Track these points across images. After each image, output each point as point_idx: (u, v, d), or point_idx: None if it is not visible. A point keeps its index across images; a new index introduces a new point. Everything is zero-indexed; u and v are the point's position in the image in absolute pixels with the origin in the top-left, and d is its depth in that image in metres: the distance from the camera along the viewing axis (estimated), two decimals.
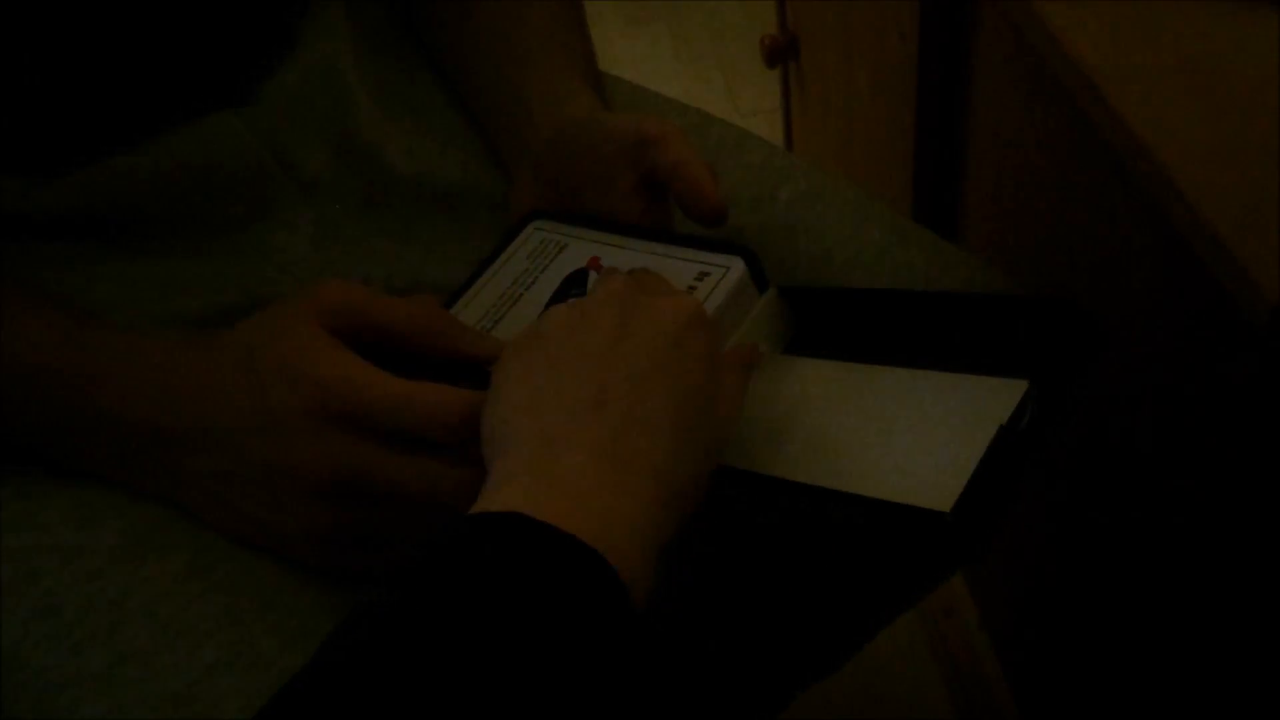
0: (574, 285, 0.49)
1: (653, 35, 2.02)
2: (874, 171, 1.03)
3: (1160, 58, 0.52)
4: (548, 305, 0.50)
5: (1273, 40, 0.52)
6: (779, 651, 0.54)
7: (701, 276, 0.46)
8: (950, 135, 0.86)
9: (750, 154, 0.64)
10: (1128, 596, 0.76)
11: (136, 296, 0.56)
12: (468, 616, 0.33)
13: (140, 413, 0.47)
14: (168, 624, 0.45)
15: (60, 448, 0.49)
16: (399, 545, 0.46)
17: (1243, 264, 0.42)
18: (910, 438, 0.40)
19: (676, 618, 0.50)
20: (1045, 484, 0.85)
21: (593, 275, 0.49)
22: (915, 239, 0.61)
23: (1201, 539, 0.64)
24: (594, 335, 0.42)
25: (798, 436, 0.42)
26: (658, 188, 0.52)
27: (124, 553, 0.47)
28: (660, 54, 1.99)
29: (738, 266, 0.45)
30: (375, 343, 0.47)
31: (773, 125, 1.44)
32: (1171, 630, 0.70)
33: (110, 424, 0.47)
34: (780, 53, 1.26)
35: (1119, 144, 0.51)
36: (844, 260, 0.60)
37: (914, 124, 0.86)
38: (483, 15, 0.63)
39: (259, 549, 0.47)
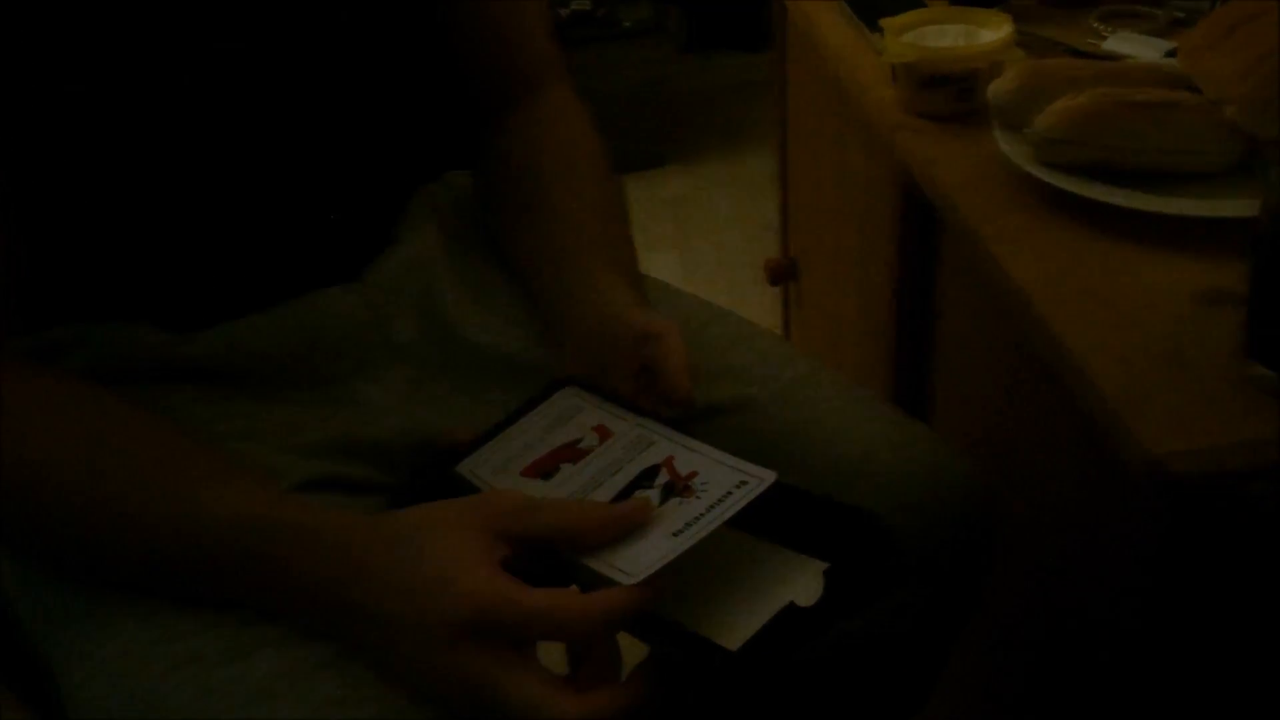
0: (570, 447, 0.63)
1: (666, 262, 2.20)
2: (858, 368, 1.18)
3: (1072, 281, 0.68)
4: (549, 452, 0.63)
5: (1155, 271, 0.68)
6: None
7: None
8: (922, 341, 1.02)
9: (760, 341, 0.78)
10: None
11: (258, 431, 0.68)
12: None
13: (316, 589, 0.55)
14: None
15: (250, 601, 0.57)
16: None
17: (1128, 425, 0.56)
18: (742, 589, 0.54)
19: None
20: (1012, 650, 0.96)
21: (590, 436, 0.63)
22: (887, 415, 0.75)
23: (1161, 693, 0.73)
24: None
25: (686, 581, 0.54)
26: (651, 374, 0.65)
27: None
28: (671, 277, 2.16)
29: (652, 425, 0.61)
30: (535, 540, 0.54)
31: None
32: None
33: (290, 591, 0.56)
34: (782, 274, 1.44)
35: (1040, 342, 0.66)
36: (832, 428, 0.73)
37: (893, 331, 1.02)
38: (547, 226, 0.77)
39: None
